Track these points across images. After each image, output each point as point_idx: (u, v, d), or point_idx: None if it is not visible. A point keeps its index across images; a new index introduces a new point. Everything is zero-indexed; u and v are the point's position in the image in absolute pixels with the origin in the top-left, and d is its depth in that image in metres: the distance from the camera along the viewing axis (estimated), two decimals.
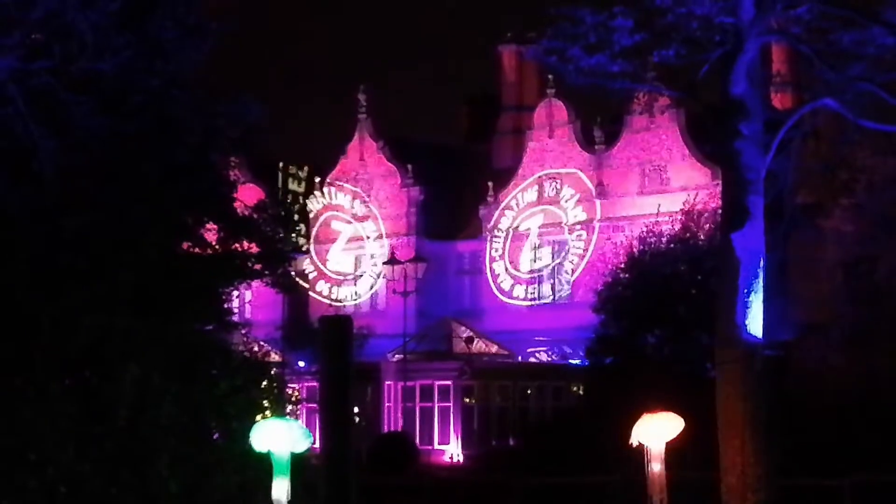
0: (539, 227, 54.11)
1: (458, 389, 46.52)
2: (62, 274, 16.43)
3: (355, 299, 57.80)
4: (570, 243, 53.11)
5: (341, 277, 58.63)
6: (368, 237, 58.15)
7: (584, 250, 52.15)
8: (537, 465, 32.26)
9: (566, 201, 53.27)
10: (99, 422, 16.36)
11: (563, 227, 53.31)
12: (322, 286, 58.73)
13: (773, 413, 18.40)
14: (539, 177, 54.43)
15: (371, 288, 57.67)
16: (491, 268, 55.33)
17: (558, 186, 53.77)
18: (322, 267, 58.68)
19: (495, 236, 55.20)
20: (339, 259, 58.72)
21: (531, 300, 54.11)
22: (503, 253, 54.91)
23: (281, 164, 52.51)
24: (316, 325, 19.71)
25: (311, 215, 58.14)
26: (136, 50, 16.44)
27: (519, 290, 54.45)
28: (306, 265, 57.15)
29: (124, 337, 16.36)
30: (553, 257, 53.93)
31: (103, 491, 16.22)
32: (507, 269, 54.83)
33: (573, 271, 52.59)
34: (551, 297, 53.65)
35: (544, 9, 17.95)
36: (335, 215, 59.24)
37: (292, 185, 54.44)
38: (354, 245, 58.73)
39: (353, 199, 58.83)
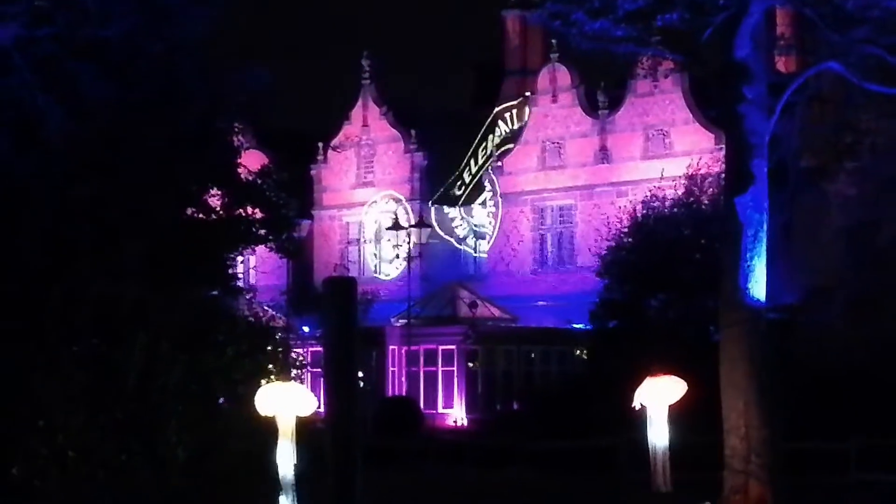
0: (543, 192, 54.09)
1: (462, 354, 46.61)
2: (71, 243, 16.50)
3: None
4: (573, 207, 53.11)
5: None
6: (372, 202, 58.17)
7: (588, 214, 52.15)
8: (542, 428, 32.41)
9: (570, 166, 53.22)
10: (108, 389, 16.47)
11: (566, 191, 53.29)
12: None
13: (777, 376, 18.47)
14: (543, 141, 54.36)
15: (375, 255, 57.71)
16: (495, 232, 55.33)
17: (562, 151, 53.72)
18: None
19: (499, 201, 55.18)
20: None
21: (535, 265, 54.15)
22: (507, 217, 54.92)
23: None
24: (320, 290, 19.80)
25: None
26: (140, 16, 16.44)
27: (523, 255, 54.49)
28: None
29: (133, 305, 16.45)
30: (557, 222, 53.93)
31: (113, 457, 16.36)
32: (510, 234, 54.86)
33: (577, 235, 52.60)
34: (555, 262, 53.68)
35: None
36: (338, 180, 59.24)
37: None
38: (358, 210, 58.74)
39: (357, 164, 58.82)
